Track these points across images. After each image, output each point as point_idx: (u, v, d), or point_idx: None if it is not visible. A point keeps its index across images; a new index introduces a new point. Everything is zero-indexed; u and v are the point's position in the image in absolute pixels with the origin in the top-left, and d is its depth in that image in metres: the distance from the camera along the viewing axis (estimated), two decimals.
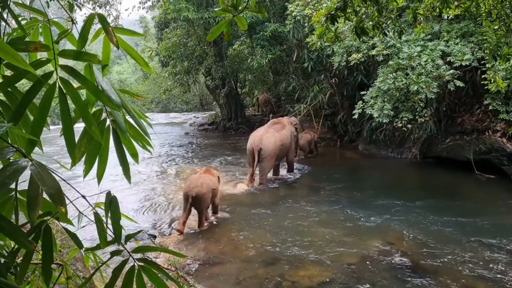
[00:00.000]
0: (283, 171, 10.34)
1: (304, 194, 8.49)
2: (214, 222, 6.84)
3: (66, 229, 1.38)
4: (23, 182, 1.12)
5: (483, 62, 8.59)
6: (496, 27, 4.81)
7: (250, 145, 9.20)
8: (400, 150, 11.91)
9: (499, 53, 4.93)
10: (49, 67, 1.25)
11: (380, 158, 11.96)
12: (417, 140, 11.19)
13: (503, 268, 5.02)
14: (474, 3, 4.59)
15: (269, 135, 9.24)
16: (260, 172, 9.19)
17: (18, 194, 1.20)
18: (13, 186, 1.15)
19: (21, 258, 1.26)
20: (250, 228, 6.55)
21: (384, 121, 9.43)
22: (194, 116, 26.09)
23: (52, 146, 13.95)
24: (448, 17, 5.56)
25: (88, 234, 5.31)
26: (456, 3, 4.66)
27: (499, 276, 4.85)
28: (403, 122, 9.44)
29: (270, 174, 9.72)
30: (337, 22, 4.20)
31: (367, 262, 5.25)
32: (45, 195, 1.06)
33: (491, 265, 5.10)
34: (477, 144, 9.68)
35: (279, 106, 18.98)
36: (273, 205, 7.75)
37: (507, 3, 4.45)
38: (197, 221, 6.53)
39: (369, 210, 7.17)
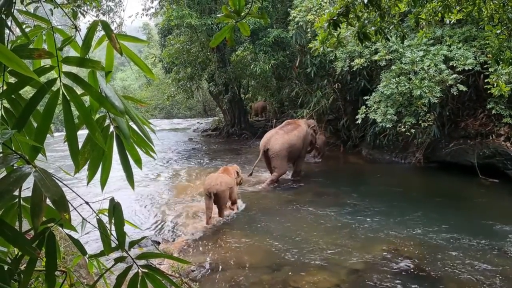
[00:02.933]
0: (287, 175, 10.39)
1: (308, 199, 8.46)
2: (234, 215, 7.49)
3: (69, 236, 1.38)
4: (26, 189, 1.12)
5: (485, 66, 8.58)
6: (498, 31, 4.81)
7: (260, 146, 9.74)
8: (403, 154, 11.86)
9: (501, 57, 4.92)
10: (53, 74, 1.26)
11: (384, 163, 11.92)
12: (420, 145, 11.15)
13: (508, 274, 4.98)
14: (476, 8, 4.59)
15: (277, 137, 9.56)
16: (273, 171, 9.57)
17: (21, 201, 1.20)
18: (16, 193, 1.15)
19: (24, 265, 1.26)
20: (254, 233, 6.53)
21: (387, 126, 9.40)
22: (198, 122, 26.16)
23: (56, 152, 14.00)
24: (450, 21, 5.57)
25: (92, 241, 5.31)
26: (458, 7, 4.67)
27: (504, 282, 4.81)
28: (406, 126, 9.42)
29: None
30: (340, 28, 4.21)
31: (372, 268, 5.22)
32: (48, 202, 1.06)
33: (495, 271, 5.06)
34: (480, 148, 9.64)
35: (282, 112, 18.99)
36: (277, 210, 7.73)
37: (509, 7, 4.45)
38: (206, 218, 6.96)
39: (373, 215, 7.14)
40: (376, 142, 12.07)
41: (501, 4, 4.51)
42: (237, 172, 7.75)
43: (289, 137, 9.62)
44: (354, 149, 13.58)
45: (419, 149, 11.35)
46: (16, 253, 1.32)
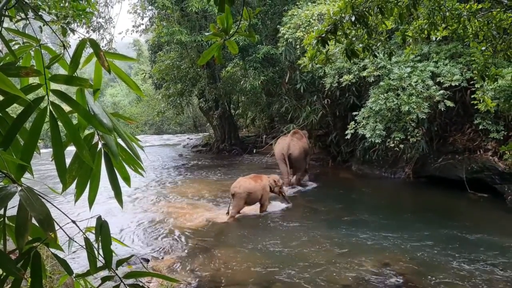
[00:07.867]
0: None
1: (298, 215, 8.44)
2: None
3: (55, 255, 1.36)
4: (12, 208, 1.11)
5: (472, 82, 8.72)
6: (483, 48, 4.91)
7: (279, 152, 10.91)
8: (393, 169, 11.94)
9: (487, 73, 5.01)
10: (42, 92, 1.25)
11: (374, 178, 11.97)
12: (409, 160, 11.24)
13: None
14: (461, 25, 4.69)
15: (294, 143, 10.94)
16: (294, 174, 11.09)
17: (6, 220, 1.19)
18: (1, 212, 1.13)
19: (9, 285, 1.24)
20: (244, 250, 6.48)
21: (376, 141, 9.47)
22: (188, 138, 26.13)
23: (44, 166, 13.83)
24: (436, 38, 5.66)
25: (80, 259, 5.23)
26: (443, 25, 4.76)
27: None
28: (395, 142, 9.49)
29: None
30: (328, 45, 4.27)
31: (362, 284, 5.19)
32: (34, 221, 1.05)
33: (485, 285, 5.06)
34: (469, 163, 9.73)
35: (272, 127, 19.06)
36: (267, 227, 7.69)
37: (493, 25, 4.55)
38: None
39: (363, 231, 7.14)
40: (366, 157, 12.14)
41: (486, 22, 4.61)
42: (275, 181, 8.58)
43: (303, 143, 11.19)
44: (344, 164, 13.65)
45: (408, 164, 11.43)
46: (0, 273, 1.30)
